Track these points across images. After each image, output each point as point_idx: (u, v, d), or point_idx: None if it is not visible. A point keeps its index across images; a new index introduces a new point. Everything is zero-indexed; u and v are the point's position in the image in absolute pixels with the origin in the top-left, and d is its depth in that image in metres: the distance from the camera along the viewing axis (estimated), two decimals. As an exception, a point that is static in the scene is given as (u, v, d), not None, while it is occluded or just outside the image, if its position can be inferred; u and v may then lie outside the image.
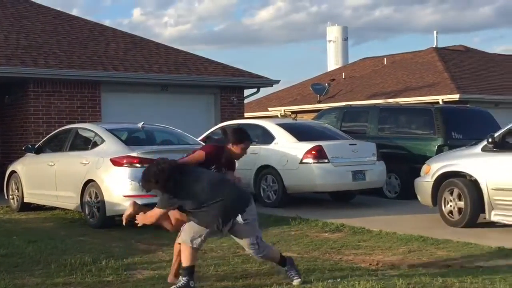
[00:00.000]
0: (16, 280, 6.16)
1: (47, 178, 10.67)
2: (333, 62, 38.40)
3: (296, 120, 14.85)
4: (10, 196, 11.78)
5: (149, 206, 6.11)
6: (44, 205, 11.25)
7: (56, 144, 11.32)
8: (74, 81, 14.79)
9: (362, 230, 9.08)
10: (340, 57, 39.00)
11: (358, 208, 11.58)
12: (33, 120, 14.32)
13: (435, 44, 27.34)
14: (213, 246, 8.00)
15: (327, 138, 12.11)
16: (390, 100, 20.15)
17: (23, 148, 11.84)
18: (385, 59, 29.23)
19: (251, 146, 12.17)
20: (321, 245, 8.10)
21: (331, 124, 13.82)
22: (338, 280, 6.05)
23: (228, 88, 17.18)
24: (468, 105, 17.43)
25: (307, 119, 19.67)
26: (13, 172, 11.77)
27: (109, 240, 8.53)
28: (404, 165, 12.83)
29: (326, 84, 25.85)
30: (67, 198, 10.22)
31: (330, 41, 39.29)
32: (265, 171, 11.82)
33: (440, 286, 5.79)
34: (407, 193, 12.02)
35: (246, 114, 18.60)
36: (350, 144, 12.03)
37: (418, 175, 10.17)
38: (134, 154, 9.32)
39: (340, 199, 12.51)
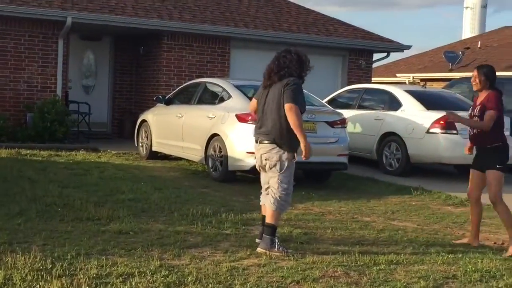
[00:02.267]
0: (141, 225, 6.45)
1: (175, 129, 11.03)
2: (468, 30, 36.61)
3: (425, 87, 14.36)
4: (140, 144, 12.31)
5: None
6: (170, 155, 11.66)
7: (185, 97, 11.64)
8: (206, 36, 15.06)
9: (488, 207, 8.64)
10: (477, 25, 37.08)
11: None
12: (165, 72, 14.78)
13: None
14: (331, 209, 7.98)
15: (458, 108, 11.58)
16: (529, 73, 19.00)
17: (154, 99, 12.28)
18: (527, 28, 27.52)
19: (375, 112, 12.11)
20: (443, 218, 7.86)
21: (463, 95, 13.24)
22: (460, 256, 5.85)
23: (357, 51, 16.87)
24: None
25: (437, 87, 18.98)
26: (143, 121, 12.26)
27: (230, 194, 8.72)
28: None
29: (460, 53, 24.76)
30: (192, 150, 10.53)
31: (467, 7, 37.41)
32: (389, 138, 11.57)
33: None
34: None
35: (373, 79, 18.22)
36: (481, 117, 11.47)
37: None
38: (259, 111, 9.38)
39: (466, 173, 12.01)
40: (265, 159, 5.82)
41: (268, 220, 5.76)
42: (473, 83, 6.46)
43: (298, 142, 5.73)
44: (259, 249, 5.70)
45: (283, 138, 5.73)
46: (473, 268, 5.40)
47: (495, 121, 6.31)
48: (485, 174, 6.41)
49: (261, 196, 6.09)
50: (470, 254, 5.93)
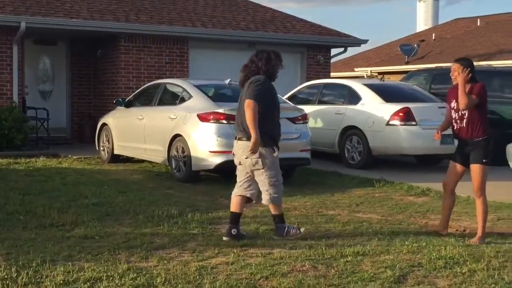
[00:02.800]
0: (106, 229, 6.39)
1: (136, 132, 10.95)
2: (422, 23, 37.12)
3: (383, 80, 14.53)
4: (101, 148, 12.18)
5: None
6: (132, 158, 11.58)
7: (146, 98, 11.56)
8: (164, 37, 14.98)
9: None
10: (430, 18, 37.57)
11: (445, 173, 11.27)
12: (123, 74, 14.66)
13: (534, 4, 25.95)
14: (296, 205, 8.03)
15: (416, 100, 11.81)
16: (483, 63, 19.38)
17: (114, 102, 12.17)
18: (478, 20, 28.06)
19: (336, 106, 12.22)
20: (406, 209, 7.97)
21: (420, 86, 13.45)
22: (424, 244, 5.95)
23: (315, 47, 16.98)
24: None
25: (394, 80, 19.25)
26: (104, 124, 12.14)
27: (194, 194, 8.70)
28: (495, 130, 12.31)
29: (415, 45, 25.14)
30: (155, 152, 10.47)
31: (420, 0, 37.95)
32: (350, 131, 11.69)
33: (531, 256, 5.60)
34: (497, 160, 11.56)
35: (331, 74, 18.36)
36: (439, 107, 11.65)
37: (510, 141, 9.79)
38: (220, 110, 9.40)
39: (427, 163, 12.24)
40: (246, 157, 6.01)
41: (273, 211, 6.20)
42: (452, 77, 6.38)
43: (274, 135, 6.08)
44: (276, 237, 6.04)
45: None
46: (437, 256, 5.50)
47: (481, 113, 6.28)
48: (464, 168, 6.46)
49: (234, 188, 6.26)
50: (434, 242, 6.03)
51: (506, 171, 10.26)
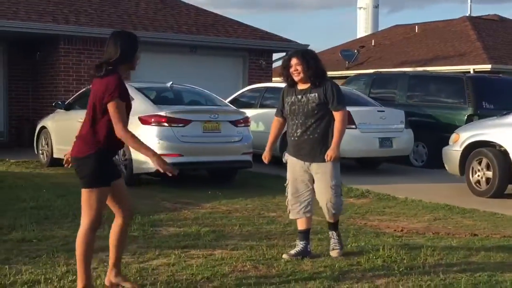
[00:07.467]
0: (45, 232, 6.28)
1: (76, 135, 10.76)
2: (363, 30, 37.86)
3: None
4: (40, 151, 11.94)
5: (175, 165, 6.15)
6: (72, 161, 11.36)
7: (86, 101, 11.33)
8: (104, 39, 14.73)
9: (387, 197, 9.07)
10: (370, 25, 38.38)
11: (383, 175, 11.55)
12: (63, 77, 14.41)
13: (469, 12, 26.84)
14: (238, 207, 8.07)
15: (355, 103, 12.02)
16: (420, 69, 19.90)
17: (53, 104, 11.95)
18: (416, 27, 28.77)
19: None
20: (345, 210, 8.07)
21: (359, 90, 13.71)
22: (362, 244, 6.07)
23: (257, 51, 17.08)
24: (500, 74, 17.09)
25: (335, 85, 19.47)
26: (43, 127, 11.90)
27: (136, 197, 8.57)
28: (432, 134, 12.73)
29: (356, 51, 25.59)
30: (95, 155, 10.30)
31: (360, 8, 38.66)
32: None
33: (465, 255, 5.77)
34: (434, 162, 11.94)
35: (274, 79, 18.50)
36: (378, 111, 11.94)
37: (446, 144, 10.10)
38: (162, 113, 9.36)
39: (366, 166, 12.47)
40: None
41: None
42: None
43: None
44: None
45: None
46: (375, 255, 5.61)
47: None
48: None
49: None
50: (372, 242, 6.16)
51: (442, 173, 10.57)
